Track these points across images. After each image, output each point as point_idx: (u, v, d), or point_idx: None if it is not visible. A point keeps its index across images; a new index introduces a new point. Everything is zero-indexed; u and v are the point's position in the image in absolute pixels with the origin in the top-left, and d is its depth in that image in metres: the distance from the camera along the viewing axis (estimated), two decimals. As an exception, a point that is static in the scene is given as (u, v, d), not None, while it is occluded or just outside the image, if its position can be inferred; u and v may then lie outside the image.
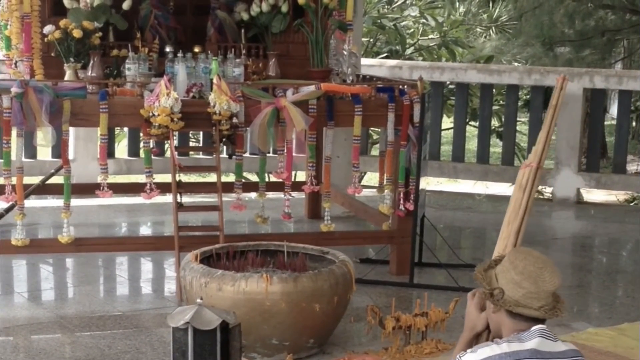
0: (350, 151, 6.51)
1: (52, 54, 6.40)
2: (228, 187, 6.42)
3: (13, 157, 5.90)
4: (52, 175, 7.44)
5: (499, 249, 3.73)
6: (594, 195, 10.96)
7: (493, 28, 16.09)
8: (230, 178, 7.10)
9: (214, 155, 6.16)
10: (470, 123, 11.93)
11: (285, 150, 6.19)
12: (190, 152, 9.35)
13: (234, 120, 5.96)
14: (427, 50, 13.91)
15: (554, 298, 3.12)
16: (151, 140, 6.06)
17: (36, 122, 5.74)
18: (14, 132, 5.86)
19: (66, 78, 6.20)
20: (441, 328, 5.11)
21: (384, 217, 6.64)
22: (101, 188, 6.02)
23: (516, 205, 3.75)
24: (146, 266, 6.88)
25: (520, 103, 11.87)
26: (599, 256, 7.52)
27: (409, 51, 13.62)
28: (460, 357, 3.10)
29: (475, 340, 3.31)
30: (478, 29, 16.57)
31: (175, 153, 5.99)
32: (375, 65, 10.05)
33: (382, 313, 5.00)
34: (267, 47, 6.95)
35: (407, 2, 13.98)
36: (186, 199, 6.32)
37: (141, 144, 6.48)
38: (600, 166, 10.19)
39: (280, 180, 6.41)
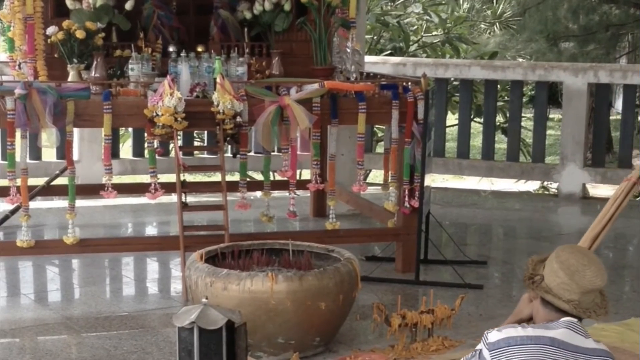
0: (355, 149, 6.51)
1: (56, 55, 6.40)
2: (233, 186, 6.42)
3: (17, 158, 5.90)
4: (56, 176, 7.44)
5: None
6: (600, 190, 10.94)
7: (497, 24, 16.07)
8: (235, 177, 7.11)
9: (218, 155, 6.15)
10: (474, 119, 11.93)
11: (290, 149, 6.19)
12: (195, 152, 9.34)
13: (238, 119, 5.95)
14: (430, 47, 13.90)
15: (593, 299, 3.13)
16: (155, 140, 6.06)
17: (40, 123, 5.74)
18: (18, 134, 5.86)
19: (69, 79, 6.20)
20: (447, 325, 5.11)
21: (389, 214, 6.63)
22: (106, 188, 6.02)
23: (604, 213, 3.84)
24: (152, 266, 6.88)
25: (524, 99, 11.87)
26: (605, 251, 7.50)
27: (412, 48, 13.61)
28: (487, 333, 3.12)
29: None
30: (482, 25, 16.56)
31: (180, 153, 5.99)
32: (378, 63, 10.04)
33: (388, 311, 5.00)
34: (270, 45, 6.95)
35: (411, -1, 13.98)
36: (191, 199, 6.33)
37: (145, 144, 6.48)
38: (606, 161, 10.16)
39: (285, 178, 6.41)
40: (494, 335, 3.07)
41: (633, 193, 3.86)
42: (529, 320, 3.29)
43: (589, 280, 3.09)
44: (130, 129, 9.85)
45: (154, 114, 5.79)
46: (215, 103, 5.88)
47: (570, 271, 3.10)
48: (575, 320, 3.09)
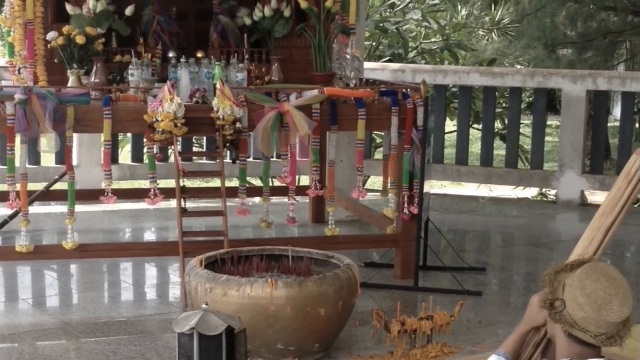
0: (354, 155, 6.51)
1: (55, 60, 6.41)
2: (232, 192, 6.43)
3: (17, 163, 5.90)
4: (56, 181, 7.45)
5: (585, 242, 3.43)
6: (598, 197, 10.93)
7: (495, 31, 16.09)
8: (234, 183, 7.11)
9: (218, 160, 6.15)
10: (473, 126, 11.93)
11: (289, 155, 6.19)
12: (194, 158, 9.36)
13: (238, 125, 5.96)
14: (429, 54, 13.91)
15: (618, 326, 2.90)
16: (155, 146, 6.06)
17: (40, 128, 5.74)
18: (17, 139, 5.86)
19: (69, 84, 6.21)
20: (446, 331, 5.11)
21: (388, 220, 6.63)
22: (105, 194, 6.02)
23: (617, 196, 3.38)
24: (151, 272, 6.88)
25: (523, 105, 11.85)
26: (603, 258, 7.50)
27: (411, 54, 13.62)
28: None
29: (535, 334, 3.14)
30: (480, 32, 16.58)
31: (179, 158, 6.00)
32: (378, 69, 10.05)
33: (387, 317, 5.00)
34: (270, 51, 6.96)
35: (410, 5, 13.97)
36: (190, 204, 6.33)
37: (145, 150, 6.48)
38: (604, 168, 10.17)
39: (284, 184, 6.42)
40: None
41: None
42: (543, 326, 3.08)
43: (616, 312, 2.87)
44: (129, 135, 9.85)
45: (154, 119, 5.79)
46: (215, 109, 5.89)
47: (597, 306, 2.85)
48: (603, 358, 2.91)
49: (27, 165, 6.07)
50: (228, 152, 6.55)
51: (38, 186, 7.58)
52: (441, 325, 5.07)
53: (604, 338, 2.87)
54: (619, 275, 2.95)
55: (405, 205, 6.39)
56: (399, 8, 13.70)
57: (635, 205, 9.20)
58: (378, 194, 7.35)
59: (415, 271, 6.39)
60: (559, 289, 2.92)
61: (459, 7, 15.99)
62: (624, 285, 2.92)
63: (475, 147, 11.71)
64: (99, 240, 7.47)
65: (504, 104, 12.47)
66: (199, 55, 6.50)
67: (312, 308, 4.83)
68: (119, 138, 10.29)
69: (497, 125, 12.40)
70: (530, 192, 12.06)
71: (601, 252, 3.32)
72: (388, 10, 13.58)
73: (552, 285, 2.94)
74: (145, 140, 6.18)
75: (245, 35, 6.93)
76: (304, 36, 6.89)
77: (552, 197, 10.64)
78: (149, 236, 8.11)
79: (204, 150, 10.22)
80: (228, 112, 5.87)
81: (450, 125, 12.48)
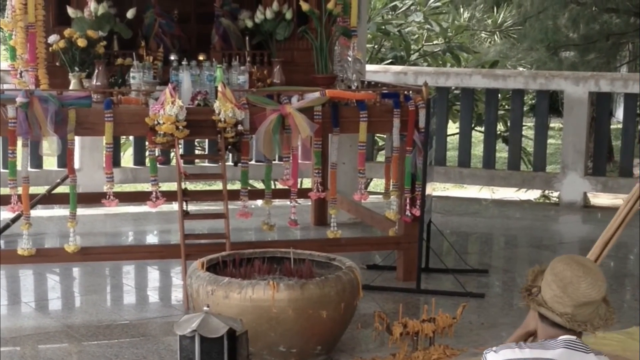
0: (356, 157, 6.52)
1: (57, 64, 6.41)
2: (234, 195, 6.43)
3: (19, 167, 5.91)
4: (58, 184, 7.45)
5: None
6: (601, 199, 10.93)
7: (497, 33, 16.07)
8: (236, 186, 7.10)
9: (220, 163, 6.15)
10: (475, 128, 11.92)
11: (291, 157, 6.19)
12: (196, 160, 9.35)
13: (239, 127, 5.95)
14: (431, 56, 13.90)
15: (592, 311, 3.02)
16: (156, 149, 6.06)
17: (41, 131, 5.74)
18: (19, 142, 5.86)
19: (71, 87, 6.21)
20: (449, 334, 5.10)
21: (390, 223, 6.63)
22: (107, 197, 6.02)
23: (615, 219, 3.75)
24: (153, 274, 6.88)
25: (525, 108, 11.86)
26: (606, 260, 7.47)
27: (413, 57, 13.61)
28: (485, 353, 3.07)
29: (529, 339, 3.27)
30: (482, 34, 16.56)
31: (181, 161, 5.99)
32: (380, 72, 10.05)
33: (389, 319, 4.99)
34: (272, 54, 6.96)
35: (412, 8, 13.96)
36: (192, 207, 6.31)
37: (146, 153, 6.48)
38: (607, 170, 10.16)
39: (286, 187, 6.41)
40: (491, 357, 3.02)
41: None
42: (536, 332, 3.22)
43: (583, 292, 2.98)
44: (131, 138, 9.86)
45: (156, 122, 5.79)
46: (217, 111, 5.89)
47: (563, 284, 2.99)
48: (573, 337, 2.99)
49: (29, 169, 6.07)
50: (230, 154, 6.54)
51: (40, 190, 7.58)
52: (443, 328, 5.06)
53: (570, 318, 2.99)
54: (593, 265, 3.08)
55: (408, 207, 6.39)
56: (401, 10, 13.69)
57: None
58: (380, 196, 7.35)
59: (418, 273, 6.38)
60: (539, 278, 3.14)
61: (461, 9, 15.98)
62: (596, 272, 3.04)
63: (477, 150, 11.70)
64: (101, 243, 7.48)
65: (506, 106, 12.46)
66: (201, 57, 6.50)
67: (314, 310, 4.83)
68: (121, 141, 10.30)
69: (500, 127, 12.40)
70: (533, 195, 12.05)
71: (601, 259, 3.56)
72: (390, 12, 13.57)
73: (531, 277, 3.16)
74: (147, 143, 6.17)
75: (247, 38, 6.93)
76: (306, 39, 6.89)
77: (554, 199, 10.63)
78: (151, 239, 8.11)
79: (206, 153, 10.21)
80: (230, 115, 5.87)
81: (453, 127, 12.47)
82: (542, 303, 3.03)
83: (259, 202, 6.63)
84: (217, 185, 10.38)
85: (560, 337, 3.00)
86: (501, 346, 3.07)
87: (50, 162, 9.10)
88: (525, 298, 3.10)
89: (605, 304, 3.10)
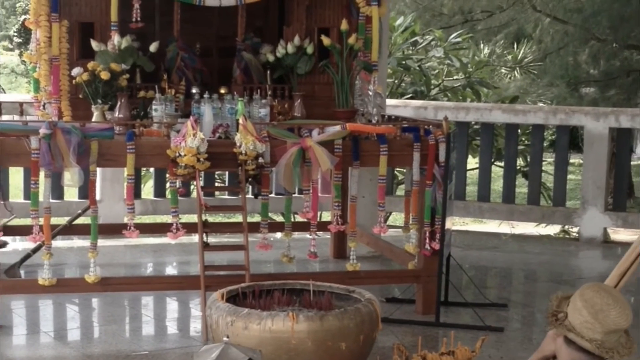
0: (376, 191, 6.52)
1: (80, 96, 6.47)
2: (254, 227, 6.43)
3: (40, 197, 5.95)
4: (79, 215, 7.50)
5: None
6: (621, 235, 10.88)
7: (518, 69, 16.10)
8: (256, 218, 7.12)
9: (240, 195, 6.18)
10: (495, 163, 11.91)
11: (311, 190, 6.21)
12: (216, 192, 9.38)
13: (260, 160, 5.99)
14: (452, 91, 13.92)
15: (617, 339, 3.07)
16: (177, 181, 6.10)
17: (64, 162, 5.79)
18: (41, 173, 5.91)
19: (94, 119, 6.26)
20: (468, 367, 5.08)
21: (409, 256, 6.63)
22: (128, 228, 6.05)
23: (632, 250, 3.69)
24: (172, 305, 6.89)
25: (545, 143, 11.85)
26: (626, 295, 7.45)
27: (434, 92, 13.64)
28: None
29: None
30: (503, 70, 16.59)
31: (201, 193, 6.02)
32: (400, 106, 10.07)
33: (408, 352, 4.97)
34: (293, 87, 7.00)
35: (432, 43, 14.01)
36: (212, 239, 6.34)
37: (167, 184, 6.52)
38: (627, 206, 10.13)
39: (306, 219, 6.42)
40: None
41: None
42: (553, 358, 3.26)
43: (613, 320, 3.04)
44: (151, 170, 9.91)
45: (177, 154, 5.83)
46: (238, 144, 5.92)
47: (594, 310, 3.05)
48: None
49: (51, 200, 6.11)
50: (250, 187, 6.57)
51: (61, 220, 7.63)
52: (462, 361, 5.05)
53: (599, 345, 3.04)
54: (619, 294, 3.15)
55: (427, 241, 6.39)
56: (421, 46, 13.73)
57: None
58: (400, 230, 7.35)
59: (437, 307, 6.37)
60: (563, 304, 3.19)
61: (482, 45, 16.03)
62: (623, 302, 3.12)
63: (497, 185, 11.70)
64: (121, 274, 7.49)
65: (526, 142, 12.45)
66: (222, 91, 6.55)
67: (333, 342, 4.82)
68: (142, 173, 10.35)
69: (520, 162, 12.38)
70: (553, 230, 12.03)
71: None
72: (411, 47, 13.60)
73: (555, 303, 3.22)
74: (167, 175, 6.21)
75: (268, 72, 6.98)
76: (327, 73, 6.93)
77: (574, 234, 10.59)
78: (171, 270, 8.13)
79: (226, 185, 10.25)
80: (251, 148, 5.90)
81: (473, 162, 12.47)
82: (571, 328, 3.08)
83: (279, 234, 6.64)
84: (237, 218, 10.40)
85: None
86: None
87: (71, 193, 9.15)
88: (552, 323, 3.15)
89: (626, 333, 3.15)
